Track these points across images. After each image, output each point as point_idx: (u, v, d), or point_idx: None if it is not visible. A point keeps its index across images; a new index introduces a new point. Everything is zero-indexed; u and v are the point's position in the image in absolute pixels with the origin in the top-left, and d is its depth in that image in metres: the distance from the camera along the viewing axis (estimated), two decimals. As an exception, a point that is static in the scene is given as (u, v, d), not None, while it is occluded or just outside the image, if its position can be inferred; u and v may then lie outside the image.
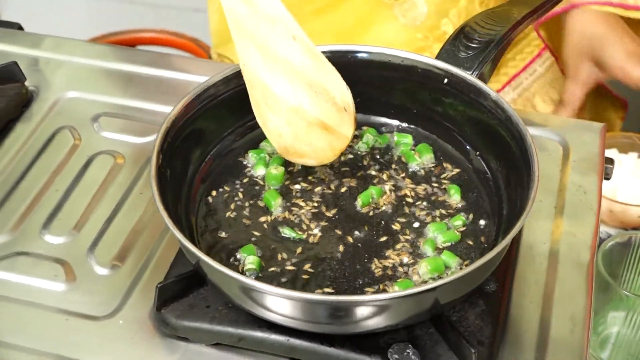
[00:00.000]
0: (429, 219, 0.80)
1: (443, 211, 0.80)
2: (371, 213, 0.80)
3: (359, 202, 0.81)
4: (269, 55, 0.80)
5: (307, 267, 0.76)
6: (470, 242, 0.78)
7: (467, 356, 0.70)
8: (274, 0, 0.79)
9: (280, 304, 0.69)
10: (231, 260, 0.76)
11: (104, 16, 2.34)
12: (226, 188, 0.83)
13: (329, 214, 0.80)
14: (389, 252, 0.77)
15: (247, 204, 0.81)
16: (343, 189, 0.82)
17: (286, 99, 0.80)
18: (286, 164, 0.84)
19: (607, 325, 1.00)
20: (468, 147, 0.85)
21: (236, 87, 0.84)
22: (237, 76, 0.84)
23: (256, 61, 0.80)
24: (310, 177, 0.84)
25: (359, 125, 0.87)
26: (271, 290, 0.68)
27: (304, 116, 0.81)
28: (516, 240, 0.82)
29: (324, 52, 0.83)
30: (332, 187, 0.83)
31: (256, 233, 0.79)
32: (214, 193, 0.82)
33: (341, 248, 0.77)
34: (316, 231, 0.79)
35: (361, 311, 0.68)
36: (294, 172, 0.85)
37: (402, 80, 0.86)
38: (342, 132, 0.81)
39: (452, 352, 0.72)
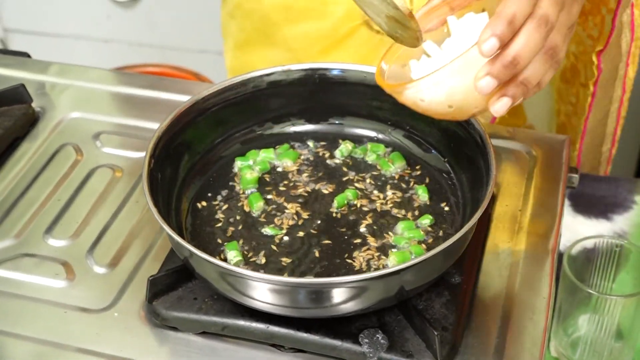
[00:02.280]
0: (399, 218, 0.86)
1: (412, 211, 0.87)
2: (346, 213, 0.87)
3: (335, 204, 0.88)
4: None
5: (287, 261, 0.82)
6: (436, 237, 0.85)
7: (431, 340, 0.77)
8: None
9: (261, 289, 0.75)
10: (217, 257, 0.83)
11: (112, 56, 2.43)
12: (214, 192, 0.90)
13: (307, 215, 0.87)
14: (363, 249, 0.83)
15: (232, 206, 0.89)
16: (321, 193, 0.90)
17: None
18: (268, 170, 0.92)
19: (578, 328, 1.05)
20: (436, 153, 0.92)
21: (224, 101, 0.92)
22: (225, 91, 0.92)
23: None
24: (290, 183, 0.91)
25: (337, 136, 0.95)
26: (253, 275, 0.74)
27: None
28: (482, 238, 0.89)
29: (302, 70, 0.92)
30: (311, 190, 0.90)
31: (240, 232, 0.86)
32: (202, 196, 0.90)
33: (319, 246, 0.84)
34: (295, 230, 0.85)
35: (332, 294, 0.74)
36: (275, 177, 0.92)
37: (376, 94, 0.93)
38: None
39: (418, 337, 0.78)
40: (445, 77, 0.75)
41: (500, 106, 0.75)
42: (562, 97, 1.26)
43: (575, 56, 1.19)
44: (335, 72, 0.93)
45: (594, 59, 1.13)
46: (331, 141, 0.95)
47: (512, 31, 0.71)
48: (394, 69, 0.82)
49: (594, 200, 1.19)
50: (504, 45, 0.71)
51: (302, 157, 0.94)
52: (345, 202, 0.88)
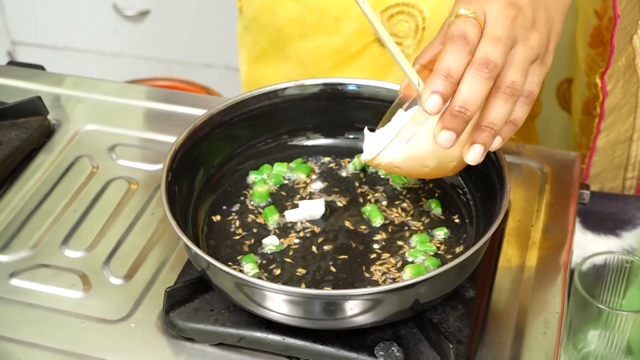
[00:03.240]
0: (413, 230, 0.87)
1: (426, 224, 0.88)
2: (362, 227, 0.88)
3: (351, 217, 0.89)
4: None
5: (302, 274, 0.83)
6: (451, 251, 0.85)
7: (446, 353, 0.77)
8: None
9: (277, 300, 0.76)
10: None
11: (119, 70, 2.44)
12: (229, 205, 0.91)
13: (322, 228, 0.88)
14: (378, 262, 0.84)
15: (247, 219, 0.89)
16: (335, 206, 0.90)
17: None
18: (282, 184, 0.93)
19: (587, 343, 1.06)
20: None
21: (240, 115, 0.93)
22: (241, 105, 0.93)
23: None
24: (305, 195, 0.92)
25: (351, 151, 0.96)
26: (270, 286, 0.75)
27: None
28: (495, 253, 0.90)
29: (318, 85, 0.93)
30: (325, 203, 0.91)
31: (255, 245, 0.86)
32: (217, 209, 0.91)
33: (334, 259, 0.85)
34: (311, 243, 0.86)
35: (348, 306, 0.75)
36: (289, 190, 0.93)
37: (388, 109, 0.94)
38: None
39: (433, 350, 0.79)
40: (403, 142, 0.77)
41: (473, 155, 0.76)
42: (584, 130, 1.27)
43: (597, 87, 1.20)
44: (350, 87, 0.95)
45: (598, 80, 1.14)
46: (345, 155, 0.96)
47: (452, 83, 0.73)
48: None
49: (603, 217, 1.20)
50: (449, 98, 0.73)
51: (316, 170, 0.95)
52: (365, 215, 0.89)
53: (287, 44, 1.20)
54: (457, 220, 0.89)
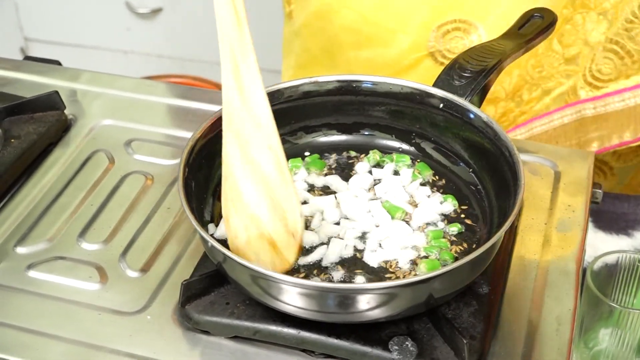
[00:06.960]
0: (429, 225, 0.88)
1: (441, 219, 0.89)
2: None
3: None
4: (246, 156, 0.81)
5: (316, 269, 0.84)
6: (465, 246, 0.86)
7: (460, 348, 0.78)
8: (263, 107, 0.80)
9: (292, 293, 0.77)
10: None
11: (132, 67, 2.45)
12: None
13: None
14: (394, 256, 0.85)
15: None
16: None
17: (248, 204, 0.82)
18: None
19: (598, 342, 1.06)
20: (462, 164, 0.94)
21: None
22: (257, 101, 0.94)
23: (235, 157, 0.81)
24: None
25: (367, 146, 0.97)
26: (285, 279, 0.76)
27: (259, 226, 0.82)
28: (509, 250, 0.90)
29: (334, 82, 0.94)
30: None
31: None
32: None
33: (349, 253, 0.85)
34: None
35: (362, 300, 0.76)
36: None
37: (402, 106, 0.95)
38: (286, 255, 0.83)
39: (447, 345, 0.79)
40: None
41: None
42: None
43: None
44: (365, 85, 0.95)
45: None
46: (360, 151, 0.97)
47: None
48: None
49: (614, 217, 1.20)
50: None
51: (330, 165, 0.95)
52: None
53: (339, 53, 1.19)
54: (470, 217, 0.89)
